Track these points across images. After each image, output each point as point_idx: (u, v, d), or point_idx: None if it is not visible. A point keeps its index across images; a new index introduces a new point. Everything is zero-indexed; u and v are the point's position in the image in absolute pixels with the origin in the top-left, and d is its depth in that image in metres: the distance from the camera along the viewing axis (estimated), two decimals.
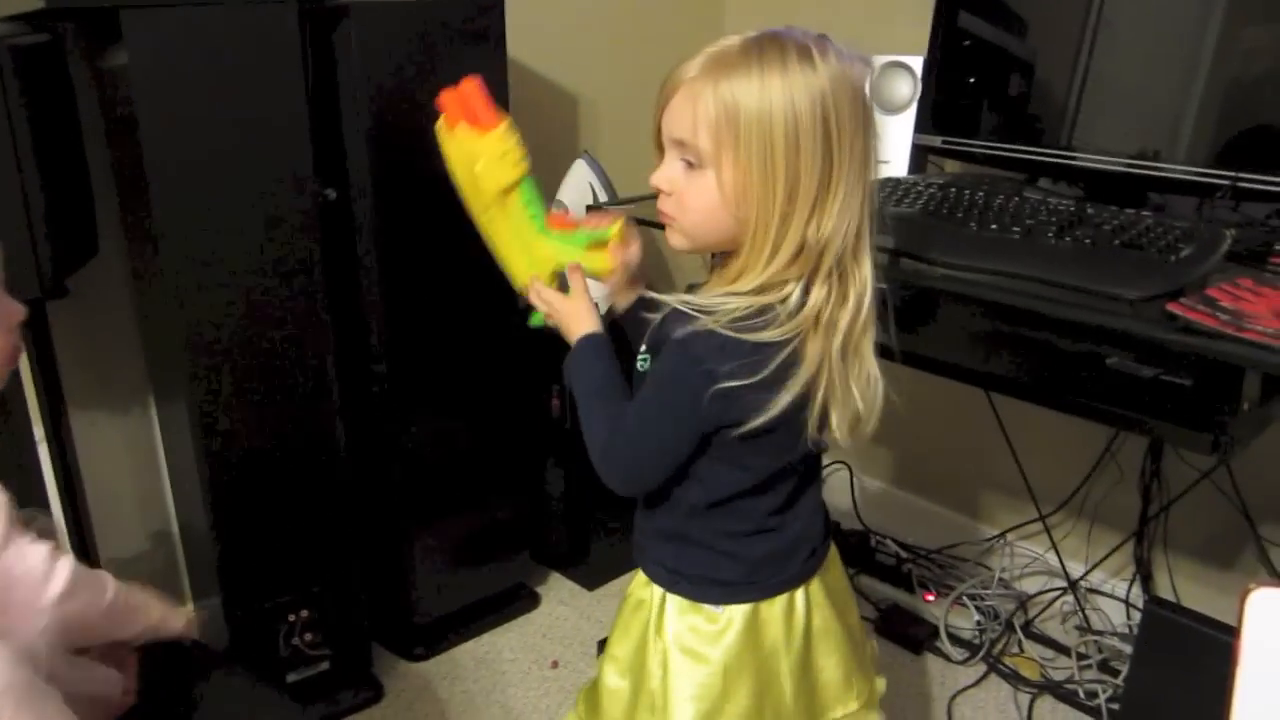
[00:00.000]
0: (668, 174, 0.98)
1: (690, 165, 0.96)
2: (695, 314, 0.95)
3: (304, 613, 1.61)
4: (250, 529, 1.55)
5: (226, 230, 1.40)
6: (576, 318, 1.10)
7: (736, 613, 1.07)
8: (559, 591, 2.09)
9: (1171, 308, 1.09)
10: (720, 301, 0.95)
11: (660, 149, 1.00)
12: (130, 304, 1.70)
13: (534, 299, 1.14)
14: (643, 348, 1.03)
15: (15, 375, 1.43)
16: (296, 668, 1.64)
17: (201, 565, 1.70)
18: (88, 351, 1.68)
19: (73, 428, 1.62)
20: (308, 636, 1.62)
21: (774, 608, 1.09)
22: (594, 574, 2.11)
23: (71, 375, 1.61)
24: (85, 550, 1.63)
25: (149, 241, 1.42)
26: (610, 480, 1.05)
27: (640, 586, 1.14)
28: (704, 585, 1.08)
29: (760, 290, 0.95)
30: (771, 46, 0.92)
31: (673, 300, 0.97)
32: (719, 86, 0.91)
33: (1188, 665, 1.37)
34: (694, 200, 0.97)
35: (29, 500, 1.46)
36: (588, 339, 1.09)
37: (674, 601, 1.09)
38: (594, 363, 1.08)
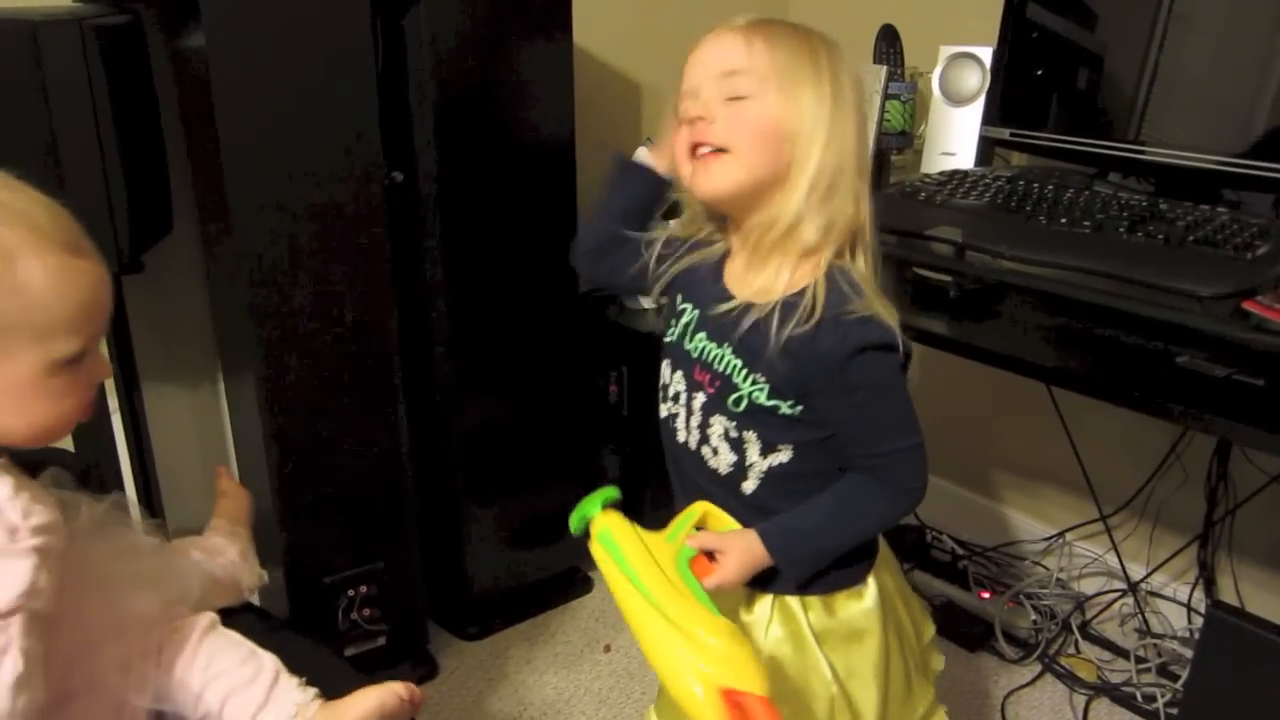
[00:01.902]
0: (705, 99, 0.96)
1: (739, 98, 0.94)
2: (858, 312, 0.94)
3: (363, 588, 1.64)
4: (314, 505, 1.58)
5: (296, 210, 1.43)
6: (746, 556, 1.00)
7: (870, 580, 1.08)
8: None
9: (1246, 305, 1.07)
10: (846, 284, 0.95)
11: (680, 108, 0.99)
12: (202, 281, 1.74)
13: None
14: (755, 377, 0.98)
15: None
16: (354, 642, 1.67)
17: (265, 538, 1.72)
18: (160, 327, 1.72)
19: (144, 400, 1.66)
20: (366, 612, 1.65)
21: (879, 562, 1.10)
22: None
23: (144, 350, 1.65)
24: (154, 517, 1.67)
25: (221, 220, 1.45)
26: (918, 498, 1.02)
27: (746, 613, 1.08)
28: (838, 571, 1.05)
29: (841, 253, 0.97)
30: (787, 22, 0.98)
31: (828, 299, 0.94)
32: (765, 31, 0.95)
33: (1251, 672, 1.34)
34: (751, 123, 0.94)
35: (102, 468, 1.50)
36: (772, 539, 1.00)
37: (808, 603, 1.06)
38: (807, 524, 1.01)
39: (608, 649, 1.88)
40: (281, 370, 1.49)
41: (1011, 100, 1.64)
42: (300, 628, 1.58)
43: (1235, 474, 1.75)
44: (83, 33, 1.25)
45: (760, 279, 0.99)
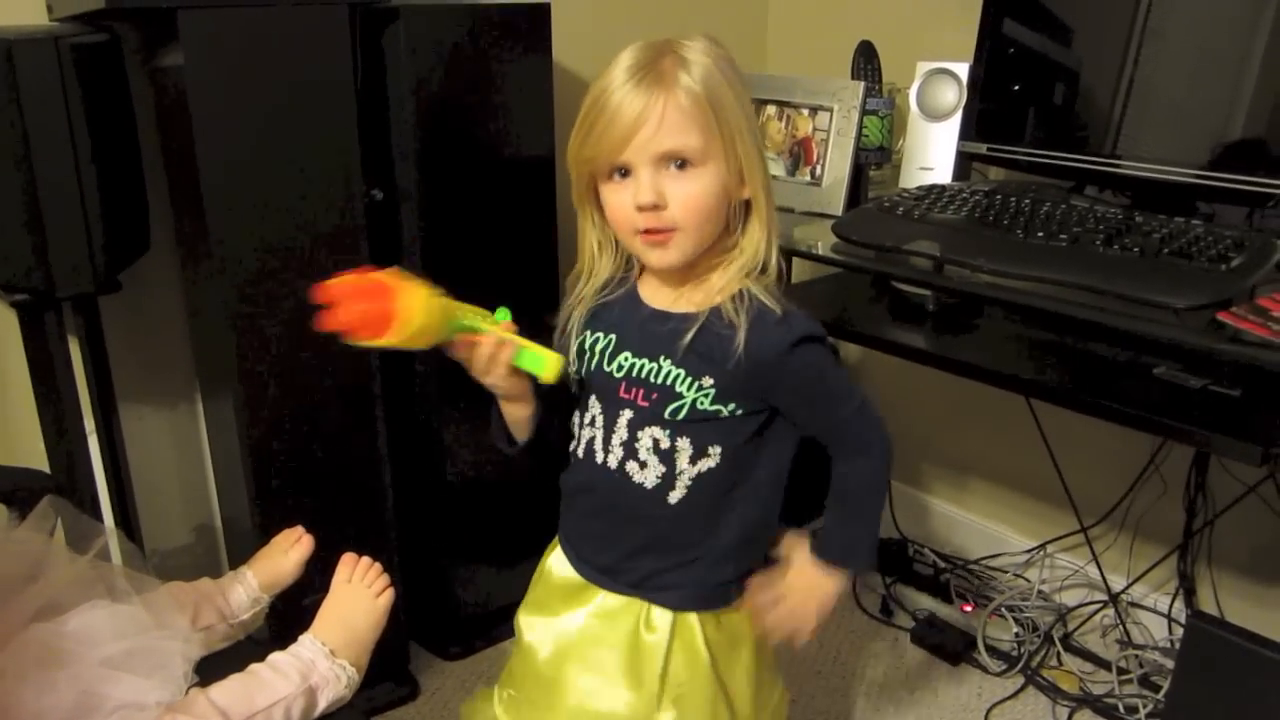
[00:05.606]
0: (655, 186, 0.96)
1: (680, 167, 0.96)
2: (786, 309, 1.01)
3: None
4: (292, 524, 1.56)
5: (275, 229, 1.42)
6: (819, 594, 1.10)
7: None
8: None
9: (1221, 317, 1.08)
10: (776, 288, 1.02)
11: (590, 184, 1.03)
12: (179, 300, 1.73)
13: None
14: (700, 383, 1.02)
15: (68, 367, 1.46)
16: None
17: (243, 558, 1.70)
18: (137, 346, 1.71)
19: (121, 420, 1.65)
20: None
21: None
22: None
23: (121, 369, 1.64)
24: (131, 539, 1.66)
25: (199, 238, 1.44)
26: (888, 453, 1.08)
27: (648, 633, 1.10)
28: (732, 584, 1.11)
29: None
30: (677, 40, 1.00)
31: (769, 304, 1.01)
32: (686, 81, 0.95)
33: (1231, 682, 1.35)
34: (700, 200, 0.97)
35: (79, 489, 1.49)
36: (841, 560, 1.09)
37: (699, 620, 1.10)
38: (851, 527, 1.10)
39: None
40: (260, 390, 1.48)
41: (988, 115, 1.65)
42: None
43: (1214, 484, 1.76)
44: (59, 51, 1.24)
45: (698, 292, 1.04)
